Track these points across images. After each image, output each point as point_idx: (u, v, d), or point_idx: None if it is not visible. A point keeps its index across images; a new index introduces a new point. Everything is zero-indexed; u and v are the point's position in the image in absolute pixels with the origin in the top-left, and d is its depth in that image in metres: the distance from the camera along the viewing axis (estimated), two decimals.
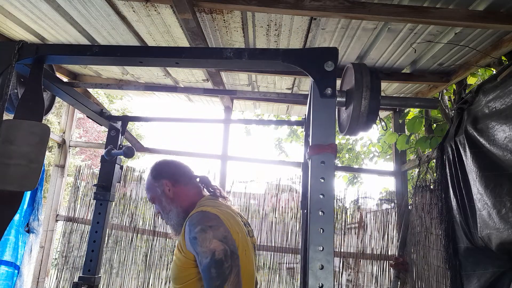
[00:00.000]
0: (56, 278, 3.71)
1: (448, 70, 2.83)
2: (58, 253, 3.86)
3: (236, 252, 1.18)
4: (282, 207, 3.89)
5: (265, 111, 4.90)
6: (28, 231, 3.14)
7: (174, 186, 1.51)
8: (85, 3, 2.21)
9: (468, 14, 1.95)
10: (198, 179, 1.59)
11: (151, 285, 3.68)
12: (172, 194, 1.50)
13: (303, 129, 2.22)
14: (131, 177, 3.97)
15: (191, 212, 1.38)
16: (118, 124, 2.12)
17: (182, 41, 2.66)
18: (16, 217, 3.10)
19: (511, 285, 1.94)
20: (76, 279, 1.88)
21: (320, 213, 0.99)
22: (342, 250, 3.69)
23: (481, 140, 2.13)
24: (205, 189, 1.58)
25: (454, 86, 3.22)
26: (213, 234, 1.18)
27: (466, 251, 2.27)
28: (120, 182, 2.16)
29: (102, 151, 2.05)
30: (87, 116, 2.00)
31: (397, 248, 3.43)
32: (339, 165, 6.65)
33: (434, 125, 3.61)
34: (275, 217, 3.85)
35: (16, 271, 3.05)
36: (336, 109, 1.44)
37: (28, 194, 3.16)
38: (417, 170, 3.80)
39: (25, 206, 3.15)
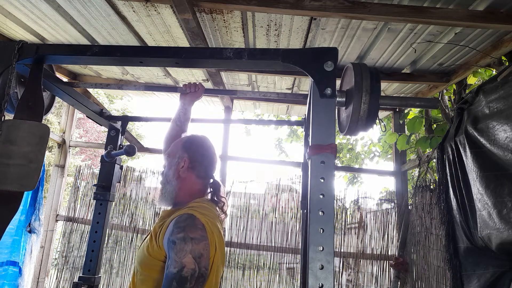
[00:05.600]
0: (56, 278, 3.71)
1: (448, 70, 2.83)
2: (58, 253, 3.85)
3: (204, 275, 1.16)
4: (282, 207, 3.89)
5: (265, 111, 4.90)
6: (30, 231, 3.14)
7: (189, 169, 1.46)
8: (85, 3, 2.21)
9: (468, 14, 1.95)
10: (212, 181, 1.55)
11: None
12: (182, 173, 1.45)
13: (303, 129, 2.22)
14: (131, 177, 3.97)
15: (182, 209, 1.35)
16: (118, 124, 2.12)
17: (182, 41, 2.66)
18: (22, 217, 3.10)
19: (511, 285, 1.94)
20: (76, 279, 1.88)
21: (320, 213, 0.99)
22: (342, 250, 3.69)
23: (482, 140, 2.13)
24: (210, 194, 1.53)
25: (454, 86, 3.22)
26: (191, 248, 1.15)
27: (466, 251, 2.27)
28: (120, 182, 2.16)
29: (102, 151, 2.05)
30: (87, 116, 2.00)
31: (397, 248, 3.43)
32: (339, 165, 6.65)
33: (434, 125, 3.62)
34: (275, 217, 3.85)
35: (18, 271, 3.05)
36: (336, 109, 1.44)
37: (29, 194, 3.16)
38: (417, 170, 3.81)
39: (27, 206, 3.16)
